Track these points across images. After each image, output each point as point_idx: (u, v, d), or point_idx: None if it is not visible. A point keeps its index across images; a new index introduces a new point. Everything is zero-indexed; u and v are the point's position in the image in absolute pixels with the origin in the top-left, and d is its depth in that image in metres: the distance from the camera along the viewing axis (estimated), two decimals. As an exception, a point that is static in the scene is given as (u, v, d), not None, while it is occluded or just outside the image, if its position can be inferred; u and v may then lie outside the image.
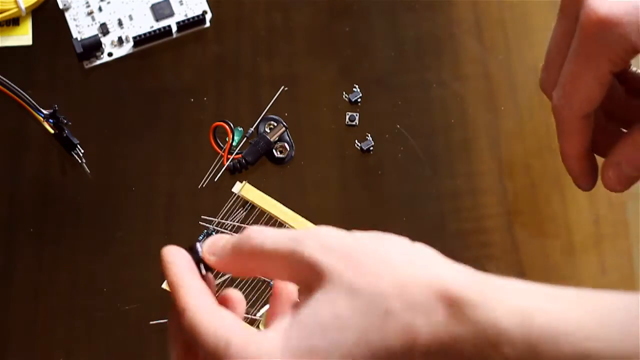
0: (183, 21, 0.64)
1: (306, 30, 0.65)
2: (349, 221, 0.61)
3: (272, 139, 0.61)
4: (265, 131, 0.62)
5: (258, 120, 0.62)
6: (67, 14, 0.64)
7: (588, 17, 0.45)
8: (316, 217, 0.60)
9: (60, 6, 0.64)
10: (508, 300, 0.38)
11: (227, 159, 0.61)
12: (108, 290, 0.59)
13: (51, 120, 0.60)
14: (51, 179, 0.61)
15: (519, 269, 0.56)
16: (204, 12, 0.64)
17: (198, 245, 0.45)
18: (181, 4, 0.64)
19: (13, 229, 0.60)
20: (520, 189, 0.62)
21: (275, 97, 0.63)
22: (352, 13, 0.65)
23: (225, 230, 0.60)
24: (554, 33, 0.49)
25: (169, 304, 0.58)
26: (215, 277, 0.59)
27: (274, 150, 0.62)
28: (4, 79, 0.61)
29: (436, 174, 0.62)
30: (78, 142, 0.61)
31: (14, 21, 0.64)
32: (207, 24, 0.64)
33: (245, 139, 0.62)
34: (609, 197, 0.62)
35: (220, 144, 0.62)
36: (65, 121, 0.60)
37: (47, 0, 0.64)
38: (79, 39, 0.63)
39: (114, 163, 0.61)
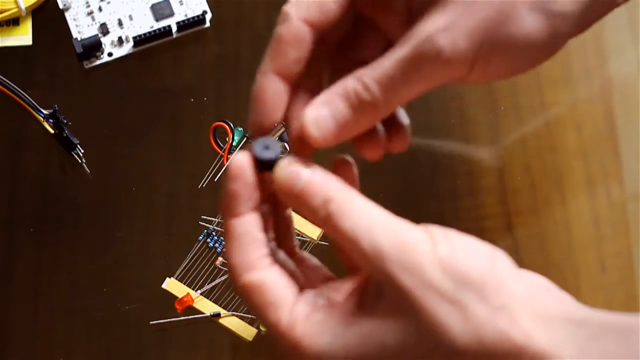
0: (183, 21, 0.64)
1: (306, 30, 0.65)
2: (349, 221, 0.61)
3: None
4: (265, 131, 0.62)
5: (258, 120, 0.62)
6: (67, 14, 0.64)
7: None
8: (316, 217, 0.60)
9: (60, 6, 0.64)
10: None
11: (227, 159, 0.61)
12: (108, 290, 0.59)
13: (51, 120, 0.60)
14: (51, 179, 0.61)
15: (519, 269, 0.56)
16: (204, 12, 0.64)
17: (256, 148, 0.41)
18: (181, 4, 0.64)
19: (13, 229, 0.60)
20: (520, 189, 0.62)
21: (275, 97, 0.63)
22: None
23: (225, 230, 0.60)
24: None
25: (169, 303, 0.58)
26: (215, 278, 0.59)
27: (274, 150, 0.62)
28: (4, 79, 0.61)
29: (436, 174, 0.62)
30: (78, 142, 0.61)
31: (14, 21, 0.64)
32: (207, 24, 0.64)
33: (245, 139, 0.62)
34: (609, 198, 0.62)
35: (220, 144, 0.62)
36: (65, 121, 0.60)
37: (47, 0, 0.64)
38: (79, 39, 0.63)
39: (114, 163, 0.61)
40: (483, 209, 0.61)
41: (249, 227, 0.40)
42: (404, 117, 0.45)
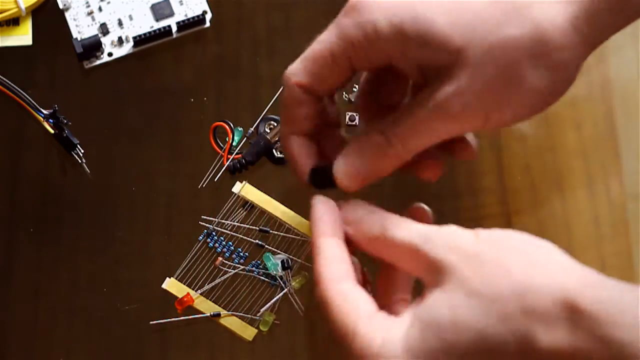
0: (183, 21, 0.64)
1: (306, 30, 0.65)
2: (349, 221, 0.61)
3: (272, 139, 0.61)
4: (265, 131, 0.62)
5: (258, 120, 0.62)
6: (67, 14, 0.64)
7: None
8: (316, 217, 0.60)
9: (60, 6, 0.64)
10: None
11: (227, 159, 0.61)
12: (108, 290, 0.59)
13: (51, 120, 0.60)
14: (51, 179, 0.61)
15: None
16: (204, 12, 0.64)
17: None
18: (181, 4, 0.64)
19: (13, 229, 0.60)
20: (520, 189, 0.62)
21: (275, 97, 0.63)
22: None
23: (226, 230, 0.60)
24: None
25: (169, 303, 0.58)
26: (215, 278, 0.59)
27: (274, 150, 0.62)
28: (4, 79, 0.61)
29: (436, 174, 0.62)
30: (78, 142, 0.61)
31: (14, 21, 0.64)
32: (207, 24, 0.64)
33: (245, 139, 0.62)
34: (609, 197, 0.62)
35: (220, 144, 0.62)
36: (65, 121, 0.60)
37: (47, 0, 0.64)
38: (79, 39, 0.63)
39: (114, 163, 0.61)
40: (483, 209, 0.62)
41: (338, 247, 0.47)
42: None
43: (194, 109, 0.63)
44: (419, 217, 0.48)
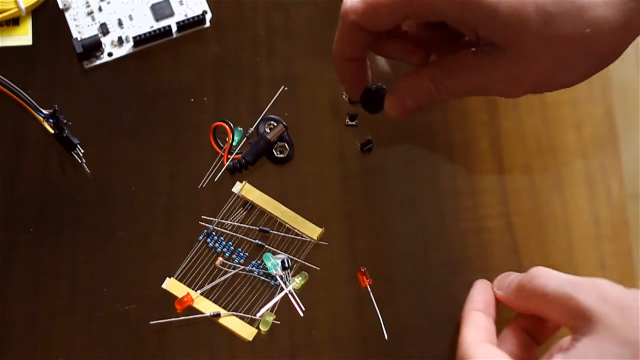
0: (183, 21, 0.64)
1: (306, 30, 0.65)
2: (349, 221, 0.61)
3: (272, 139, 0.61)
4: (265, 131, 0.62)
5: (258, 120, 0.62)
6: (67, 14, 0.64)
7: None
8: (316, 217, 0.60)
9: (60, 6, 0.64)
10: None
11: (227, 159, 0.61)
12: (108, 290, 0.59)
13: (51, 120, 0.60)
14: (51, 179, 0.61)
15: (519, 269, 0.56)
16: (204, 12, 0.64)
17: None
18: (181, 4, 0.64)
19: (13, 229, 0.60)
20: (520, 189, 0.62)
21: (275, 97, 0.63)
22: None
23: (226, 230, 0.60)
24: None
25: (169, 303, 0.58)
26: (215, 278, 0.59)
27: (274, 150, 0.62)
28: (4, 79, 0.61)
29: (436, 174, 0.62)
30: (78, 142, 0.61)
31: (14, 21, 0.64)
32: (207, 24, 0.64)
33: (245, 139, 0.62)
34: (609, 197, 0.62)
35: (220, 144, 0.62)
36: (65, 121, 0.60)
37: (47, 0, 0.64)
38: (79, 39, 0.63)
39: (114, 163, 0.61)
40: (483, 209, 0.61)
41: (485, 318, 0.54)
42: None
43: (194, 109, 0.63)
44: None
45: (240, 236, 0.60)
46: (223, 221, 0.60)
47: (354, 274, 0.60)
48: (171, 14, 0.64)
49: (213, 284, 0.59)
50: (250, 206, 0.61)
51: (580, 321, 0.47)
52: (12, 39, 0.63)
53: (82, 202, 0.61)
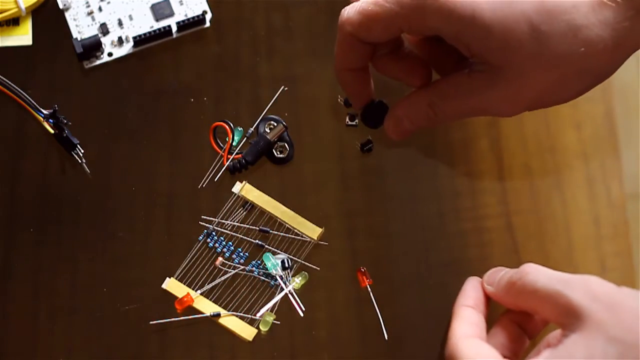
0: (183, 21, 0.64)
1: (306, 30, 0.65)
2: (349, 221, 0.61)
3: (272, 139, 0.61)
4: (265, 131, 0.62)
5: (258, 120, 0.62)
6: (67, 14, 0.64)
7: None
8: (316, 217, 0.60)
9: (60, 6, 0.64)
10: None
11: (227, 159, 0.61)
12: (108, 290, 0.59)
13: (51, 120, 0.60)
14: (51, 179, 0.61)
15: (519, 269, 0.56)
16: (204, 12, 0.64)
17: None
18: (181, 4, 0.64)
19: (13, 229, 0.60)
20: (520, 189, 0.62)
21: (275, 97, 0.63)
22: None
23: (226, 230, 0.60)
24: None
25: (169, 303, 0.58)
26: (215, 278, 0.59)
27: (274, 150, 0.62)
28: (4, 79, 0.61)
29: (436, 174, 0.62)
30: (78, 142, 0.61)
31: (14, 21, 0.64)
32: (207, 24, 0.64)
33: (245, 139, 0.62)
34: (609, 197, 0.62)
35: (220, 144, 0.62)
36: (65, 121, 0.60)
37: (47, 0, 0.64)
38: (79, 39, 0.63)
39: (114, 163, 0.61)
40: (483, 209, 0.61)
41: (474, 314, 0.54)
42: None
43: (194, 109, 0.63)
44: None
45: (240, 236, 0.60)
46: (223, 221, 0.60)
47: (354, 274, 0.60)
48: (171, 14, 0.64)
49: (213, 284, 0.59)
50: (250, 206, 0.61)
51: (569, 318, 0.47)
52: (12, 39, 0.63)
53: (82, 202, 0.61)
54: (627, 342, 0.45)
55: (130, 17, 0.64)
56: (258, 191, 0.61)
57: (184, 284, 0.59)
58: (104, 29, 0.64)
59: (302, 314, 0.59)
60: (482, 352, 0.50)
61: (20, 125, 0.62)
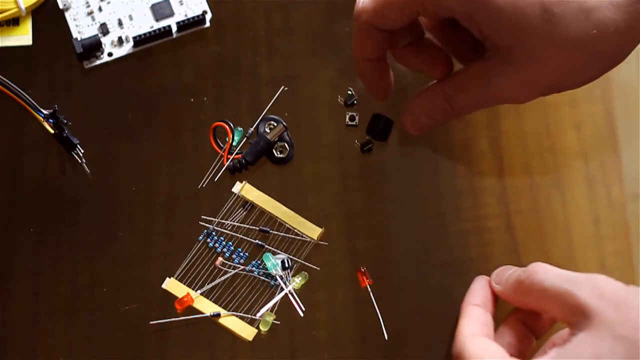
0: (183, 21, 0.64)
1: (306, 30, 0.65)
2: (349, 221, 0.61)
3: (272, 139, 0.61)
4: (265, 131, 0.62)
5: (258, 120, 0.62)
6: (67, 14, 0.64)
7: None
8: (316, 217, 0.60)
9: (60, 6, 0.64)
10: None
11: (227, 159, 0.61)
12: (108, 290, 0.59)
13: (51, 120, 0.60)
14: (51, 179, 0.61)
15: (519, 269, 0.56)
16: (204, 12, 0.64)
17: None
18: (181, 4, 0.64)
19: (13, 229, 0.60)
20: (520, 189, 0.62)
21: (275, 97, 0.63)
22: (352, 13, 0.65)
23: (226, 230, 0.60)
24: None
25: (169, 303, 0.58)
26: (215, 278, 0.59)
27: (274, 150, 0.62)
28: (4, 79, 0.61)
29: (436, 174, 0.62)
30: (78, 142, 0.61)
31: (14, 21, 0.64)
32: (207, 24, 0.64)
33: (245, 139, 0.62)
34: (609, 198, 0.62)
35: (220, 144, 0.62)
36: (65, 121, 0.60)
37: (47, 0, 0.64)
38: (79, 39, 0.63)
39: (114, 163, 0.61)
40: (483, 208, 0.61)
41: (482, 313, 0.54)
42: None
43: (194, 109, 0.63)
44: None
45: (240, 236, 0.60)
46: (223, 221, 0.60)
47: (354, 274, 0.60)
48: (171, 14, 0.64)
49: (213, 284, 0.59)
50: (250, 206, 0.61)
51: (577, 317, 0.47)
52: (12, 39, 0.63)
53: (82, 202, 0.61)
54: (634, 340, 0.45)
55: (130, 17, 0.64)
56: (258, 191, 0.61)
57: (184, 284, 0.59)
58: (104, 29, 0.64)
59: (302, 314, 0.59)
60: (490, 351, 0.50)
61: (20, 125, 0.62)
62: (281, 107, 0.63)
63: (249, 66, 0.64)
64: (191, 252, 0.60)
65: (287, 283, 0.59)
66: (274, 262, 0.59)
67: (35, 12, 0.64)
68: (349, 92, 0.63)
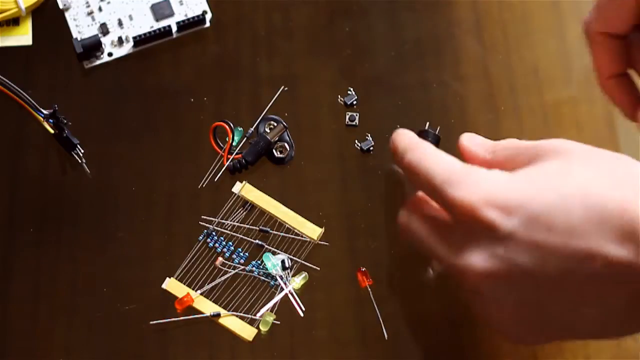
0: (183, 21, 0.64)
1: (306, 30, 0.65)
2: (349, 221, 0.61)
3: (272, 139, 0.61)
4: (265, 131, 0.62)
5: (258, 120, 0.62)
6: (67, 14, 0.64)
7: None
8: (316, 217, 0.60)
9: (60, 6, 0.64)
10: None
11: (227, 159, 0.61)
12: (108, 290, 0.59)
13: (51, 120, 0.60)
14: (51, 179, 0.61)
15: (519, 269, 0.56)
16: (204, 12, 0.64)
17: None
18: (181, 4, 0.64)
19: (13, 229, 0.60)
20: (520, 189, 0.62)
21: (275, 97, 0.63)
22: (352, 13, 0.65)
23: (226, 230, 0.60)
24: None
25: (169, 303, 0.58)
26: (215, 278, 0.59)
27: (274, 150, 0.62)
28: (4, 79, 0.61)
29: (436, 174, 0.62)
30: (78, 142, 0.61)
31: (14, 21, 0.64)
32: (207, 24, 0.64)
33: (245, 139, 0.62)
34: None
35: (220, 144, 0.62)
36: (65, 121, 0.60)
37: (47, 0, 0.64)
38: (79, 39, 0.63)
39: (114, 163, 0.61)
40: (483, 209, 0.61)
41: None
42: None
43: (194, 109, 0.63)
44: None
45: (240, 236, 0.60)
46: (223, 221, 0.60)
47: (354, 274, 0.60)
48: (171, 14, 0.64)
49: (213, 284, 0.59)
50: (250, 206, 0.61)
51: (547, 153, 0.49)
52: (12, 39, 0.63)
53: (82, 202, 0.61)
54: (603, 168, 0.46)
55: (130, 17, 0.64)
56: (258, 191, 0.61)
57: (184, 284, 0.59)
58: (104, 29, 0.64)
59: (302, 314, 0.59)
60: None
61: (20, 125, 0.62)
62: (281, 107, 0.63)
63: (249, 66, 0.64)
64: (191, 252, 0.60)
65: (287, 283, 0.59)
66: (274, 262, 0.59)
67: (35, 12, 0.64)
68: (349, 92, 0.63)
